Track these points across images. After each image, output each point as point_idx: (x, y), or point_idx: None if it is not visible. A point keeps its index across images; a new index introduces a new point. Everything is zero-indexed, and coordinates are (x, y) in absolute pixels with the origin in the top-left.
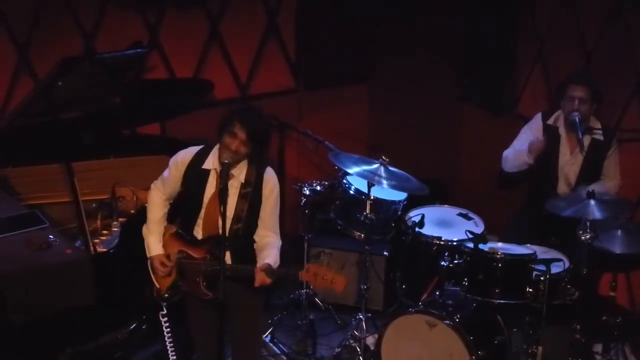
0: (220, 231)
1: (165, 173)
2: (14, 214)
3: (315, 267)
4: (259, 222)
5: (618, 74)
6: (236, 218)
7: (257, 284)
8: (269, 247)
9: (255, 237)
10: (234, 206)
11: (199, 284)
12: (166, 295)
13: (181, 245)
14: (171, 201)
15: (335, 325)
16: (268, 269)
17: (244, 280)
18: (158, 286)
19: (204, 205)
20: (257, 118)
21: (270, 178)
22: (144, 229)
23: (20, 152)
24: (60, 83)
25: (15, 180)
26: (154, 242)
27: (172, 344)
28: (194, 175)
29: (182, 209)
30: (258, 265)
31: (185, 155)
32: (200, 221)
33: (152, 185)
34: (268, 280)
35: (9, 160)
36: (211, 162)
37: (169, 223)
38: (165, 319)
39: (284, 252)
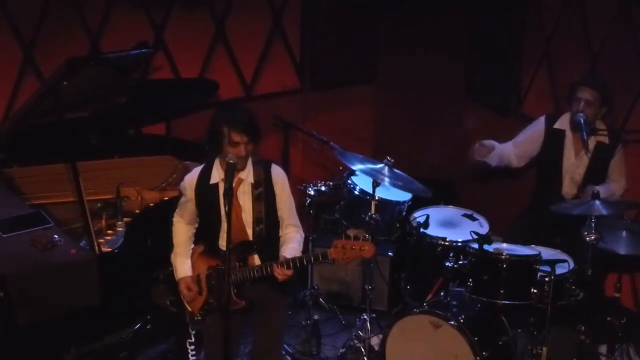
0: (227, 234)
1: (181, 199)
2: (19, 213)
3: (342, 241)
4: (281, 221)
5: (624, 75)
6: (256, 220)
7: (280, 278)
8: (287, 242)
9: (280, 235)
10: (251, 209)
11: (230, 295)
12: (199, 317)
13: (210, 261)
14: (196, 225)
15: (339, 325)
16: (283, 262)
17: (272, 280)
18: (190, 309)
19: (223, 217)
20: (245, 115)
21: (278, 174)
22: (172, 254)
23: (25, 152)
24: (65, 83)
25: (20, 180)
26: (181, 265)
27: None
28: (205, 193)
29: (204, 226)
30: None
31: (191, 178)
32: (223, 234)
33: (174, 215)
34: (289, 272)
35: (15, 159)
36: (217, 176)
37: (196, 244)
38: (193, 347)
39: None
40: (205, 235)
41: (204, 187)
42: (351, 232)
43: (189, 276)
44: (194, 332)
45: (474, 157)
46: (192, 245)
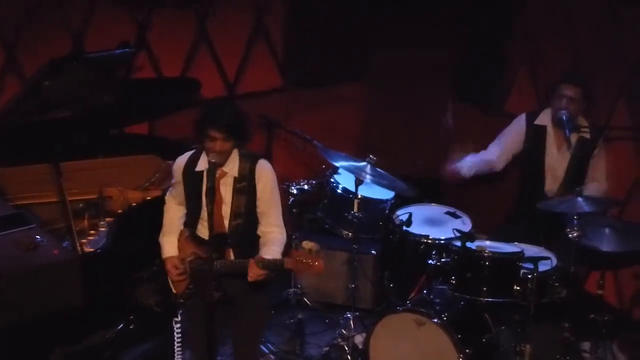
0: (209, 231)
1: (173, 180)
2: (0, 214)
3: (299, 252)
4: (260, 217)
5: (606, 73)
6: (234, 214)
7: (250, 277)
8: (269, 244)
9: (259, 233)
10: (230, 202)
11: (210, 284)
12: (181, 300)
13: (193, 247)
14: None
15: (323, 324)
16: (259, 261)
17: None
18: (175, 291)
19: (203, 205)
20: (226, 113)
21: (262, 170)
22: (160, 233)
23: (7, 152)
24: (47, 83)
25: (2, 181)
26: (167, 244)
27: (180, 351)
28: (191, 178)
29: (189, 211)
30: None
31: (180, 162)
32: (203, 222)
33: (167, 193)
34: (260, 272)
35: None
36: (203, 164)
37: (185, 227)
38: (178, 325)
39: None
40: (189, 221)
41: (190, 172)
42: (306, 245)
43: (176, 256)
44: (180, 311)
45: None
46: (181, 227)
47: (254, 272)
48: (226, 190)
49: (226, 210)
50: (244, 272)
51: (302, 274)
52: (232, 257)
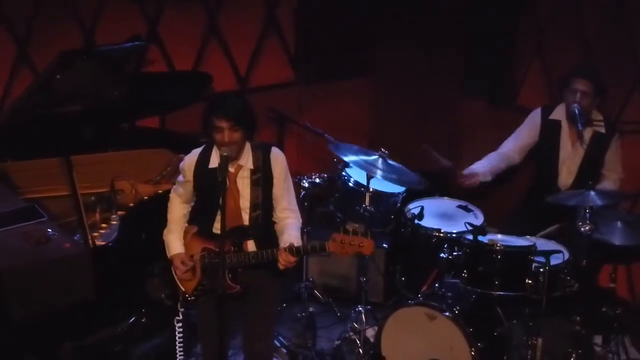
0: (221, 225)
1: (179, 178)
2: (12, 207)
3: (341, 235)
4: (275, 203)
5: (619, 66)
6: (254, 206)
7: (281, 265)
8: (288, 229)
9: (275, 219)
10: (249, 195)
11: (224, 278)
12: (192, 298)
13: (204, 243)
14: (192, 204)
15: (335, 317)
16: (291, 248)
17: (266, 266)
18: (184, 289)
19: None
20: (230, 102)
21: (276, 157)
22: (165, 231)
23: (19, 146)
24: (58, 77)
25: (14, 174)
26: (174, 241)
27: (182, 350)
28: (204, 175)
29: (201, 208)
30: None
31: (190, 160)
32: (219, 217)
33: (172, 190)
34: (292, 259)
35: (8, 153)
36: (216, 160)
37: (190, 224)
38: (180, 324)
39: None
40: (200, 217)
41: (202, 170)
42: (350, 227)
43: (182, 252)
44: (182, 309)
45: (468, 187)
46: (186, 224)
47: (286, 260)
48: (243, 184)
49: (244, 203)
50: (268, 262)
51: (347, 256)
52: (253, 247)
